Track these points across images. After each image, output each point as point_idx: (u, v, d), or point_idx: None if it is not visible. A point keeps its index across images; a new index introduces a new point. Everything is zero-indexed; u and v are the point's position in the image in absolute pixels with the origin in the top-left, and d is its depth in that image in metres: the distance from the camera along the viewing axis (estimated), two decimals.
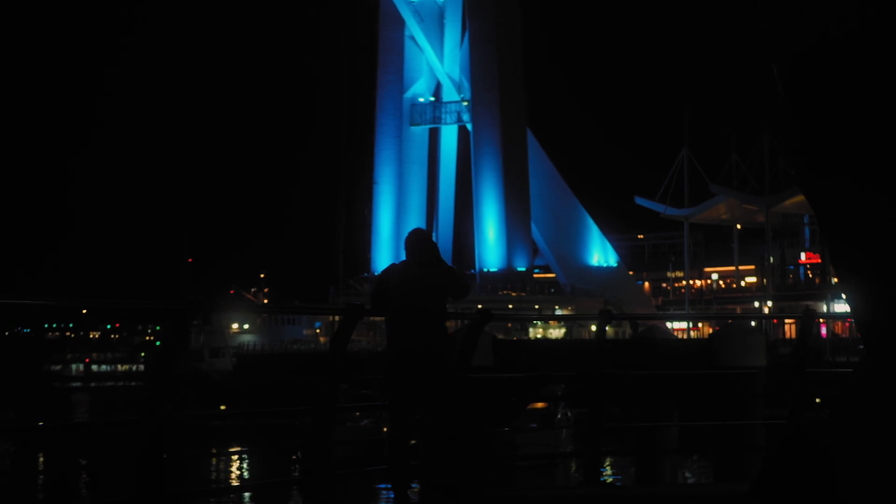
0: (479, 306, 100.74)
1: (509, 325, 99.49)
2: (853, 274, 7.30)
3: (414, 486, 9.90)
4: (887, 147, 6.28)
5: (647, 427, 14.27)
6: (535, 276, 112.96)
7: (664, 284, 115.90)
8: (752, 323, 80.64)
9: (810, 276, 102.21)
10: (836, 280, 51.59)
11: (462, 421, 9.70)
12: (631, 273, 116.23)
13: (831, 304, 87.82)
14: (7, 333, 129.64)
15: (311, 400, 9.38)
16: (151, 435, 7.19)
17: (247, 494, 27.18)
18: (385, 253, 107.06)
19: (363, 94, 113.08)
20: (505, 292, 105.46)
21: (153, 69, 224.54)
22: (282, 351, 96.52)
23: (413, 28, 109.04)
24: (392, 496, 9.77)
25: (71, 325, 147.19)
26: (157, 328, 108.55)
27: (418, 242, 9.72)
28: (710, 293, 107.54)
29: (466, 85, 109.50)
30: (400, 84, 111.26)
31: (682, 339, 77.60)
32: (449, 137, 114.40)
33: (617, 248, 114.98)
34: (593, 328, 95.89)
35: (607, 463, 31.29)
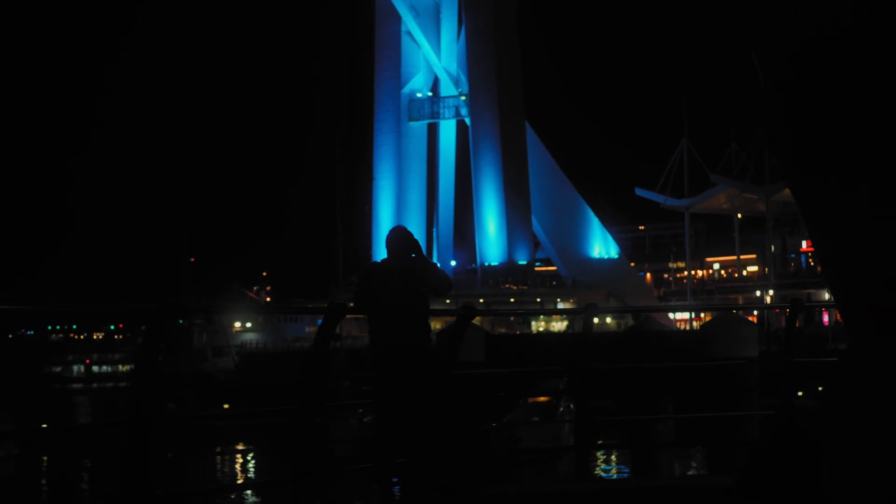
0: (482, 300, 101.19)
1: (511, 318, 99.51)
2: (840, 272, 7.27)
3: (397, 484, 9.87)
4: (881, 146, 6.25)
5: (639, 420, 14.28)
6: (537, 269, 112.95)
7: (666, 275, 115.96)
8: (755, 312, 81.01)
9: (812, 264, 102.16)
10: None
11: (451, 418, 9.69)
12: (632, 264, 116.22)
13: None
14: (10, 336, 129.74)
15: (299, 399, 9.38)
16: (133, 436, 7.18)
17: (242, 494, 27.24)
18: (385, 249, 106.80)
19: (361, 90, 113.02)
20: (507, 286, 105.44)
21: (153, 69, 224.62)
22: (285, 349, 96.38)
23: (409, 23, 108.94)
24: (381, 494, 9.76)
25: (74, 326, 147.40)
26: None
27: (399, 240, 9.73)
28: (711, 283, 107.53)
29: (464, 79, 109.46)
30: (397, 80, 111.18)
31: (680, 329, 77.58)
32: (448, 132, 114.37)
33: (618, 240, 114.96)
34: (596, 320, 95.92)
35: (604, 457, 31.26)
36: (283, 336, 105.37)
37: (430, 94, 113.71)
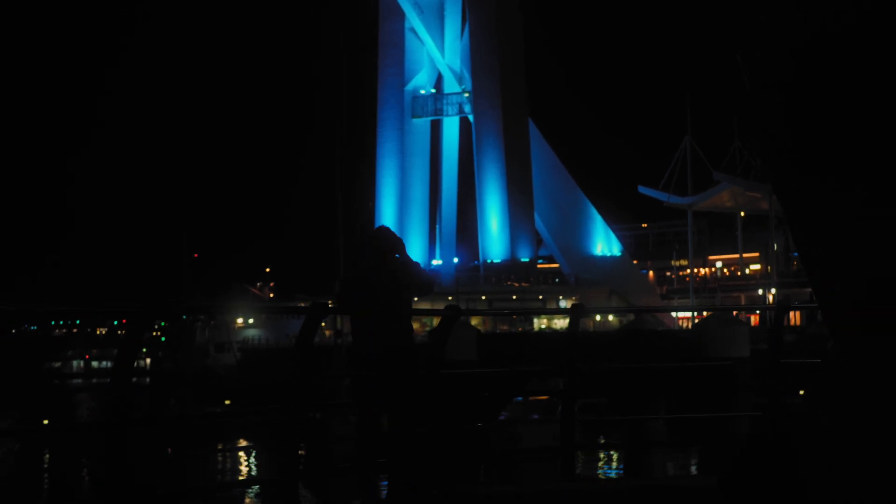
0: (484, 297, 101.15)
1: (514, 316, 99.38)
2: (826, 273, 7.24)
3: (384, 483, 9.90)
4: (881, 146, 6.21)
5: (628, 420, 14.30)
6: (539, 266, 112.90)
7: (668, 273, 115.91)
8: (757, 311, 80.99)
9: None
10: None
11: (433, 418, 9.69)
12: (635, 262, 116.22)
13: None
14: (14, 331, 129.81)
15: (288, 397, 9.40)
16: (109, 437, 7.16)
17: (241, 491, 27.22)
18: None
19: (364, 88, 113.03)
20: (509, 283, 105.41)
21: (153, 69, 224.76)
22: (287, 345, 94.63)
23: (413, 20, 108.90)
24: (366, 494, 9.77)
25: (77, 321, 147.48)
26: (163, 324, 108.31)
27: (383, 240, 9.75)
28: (714, 281, 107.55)
29: (467, 76, 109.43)
30: (401, 77, 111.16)
31: (675, 329, 77.41)
32: (451, 129, 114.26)
33: (621, 238, 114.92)
34: (598, 318, 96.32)
35: (593, 456, 31.18)
36: (284, 332, 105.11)
37: (433, 90, 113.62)
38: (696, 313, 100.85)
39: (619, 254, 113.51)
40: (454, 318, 10.42)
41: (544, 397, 38.31)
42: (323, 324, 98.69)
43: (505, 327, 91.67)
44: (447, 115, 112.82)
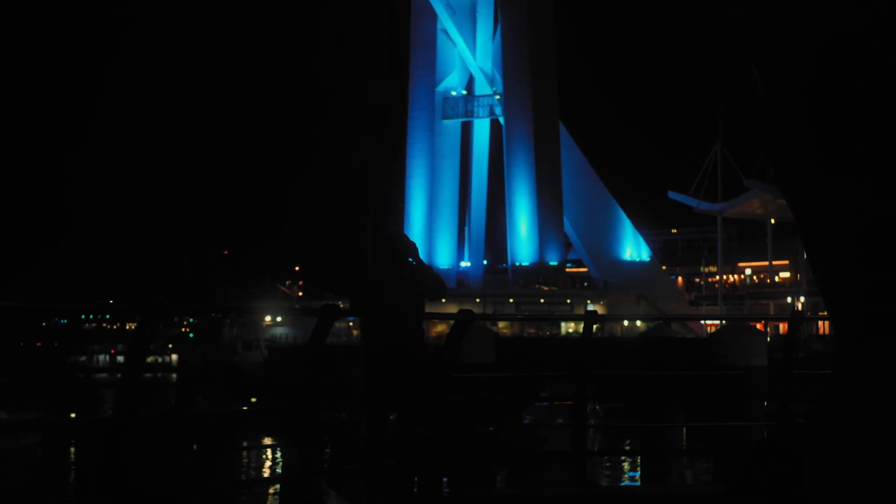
0: (511, 300, 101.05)
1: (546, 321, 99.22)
2: (832, 277, 7.21)
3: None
4: None
5: (647, 427, 14.25)
6: (568, 270, 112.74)
7: (697, 279, 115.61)
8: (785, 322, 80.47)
9: None
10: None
11: (438, 419, 9.75)
12: (664, 268, 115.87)
13: None
14: (43, 324, 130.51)
15: (302, 398, 9.48)
16: (109, 434, 7.23)
17: (261, 489, 27.20)
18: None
19: (395, 87, 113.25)
20: (537, 286, 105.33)
21: (161, 68, 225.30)
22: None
23: (445, 21, 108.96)
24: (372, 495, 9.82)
25: (107, 315, 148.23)
26: (192, 320, 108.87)
27: (397, 244, 9.81)
28: (743, 288, 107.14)
29: (499, 78, 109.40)
30: (432, 78, 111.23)
31: (692, 337, 77.07)
32: (481, 131, 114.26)
33: (650, 243, 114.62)
34: (626, 324, 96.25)
35: (606, 461, 31.06)
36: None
37: (464, 92, 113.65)
38: (721, 321, 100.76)
39: (647, 259, 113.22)
40: (468, 322, 10.48)
41: (569, 402, 38.33)
42: (351, 322, 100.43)
43: (532, 331, 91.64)
44: (478, 117, 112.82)
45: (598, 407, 40.46)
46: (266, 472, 37.68)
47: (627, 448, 23.63)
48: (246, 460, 40.14)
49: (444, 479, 10.09)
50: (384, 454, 9.57)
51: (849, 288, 6.95)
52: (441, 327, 66.82)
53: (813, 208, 6.89)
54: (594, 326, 11.41)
